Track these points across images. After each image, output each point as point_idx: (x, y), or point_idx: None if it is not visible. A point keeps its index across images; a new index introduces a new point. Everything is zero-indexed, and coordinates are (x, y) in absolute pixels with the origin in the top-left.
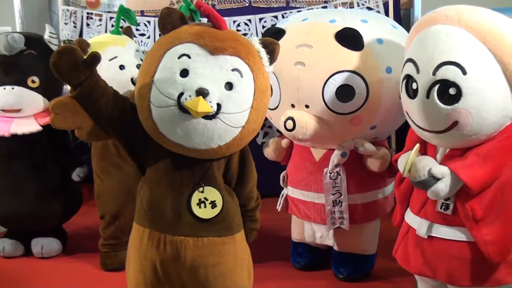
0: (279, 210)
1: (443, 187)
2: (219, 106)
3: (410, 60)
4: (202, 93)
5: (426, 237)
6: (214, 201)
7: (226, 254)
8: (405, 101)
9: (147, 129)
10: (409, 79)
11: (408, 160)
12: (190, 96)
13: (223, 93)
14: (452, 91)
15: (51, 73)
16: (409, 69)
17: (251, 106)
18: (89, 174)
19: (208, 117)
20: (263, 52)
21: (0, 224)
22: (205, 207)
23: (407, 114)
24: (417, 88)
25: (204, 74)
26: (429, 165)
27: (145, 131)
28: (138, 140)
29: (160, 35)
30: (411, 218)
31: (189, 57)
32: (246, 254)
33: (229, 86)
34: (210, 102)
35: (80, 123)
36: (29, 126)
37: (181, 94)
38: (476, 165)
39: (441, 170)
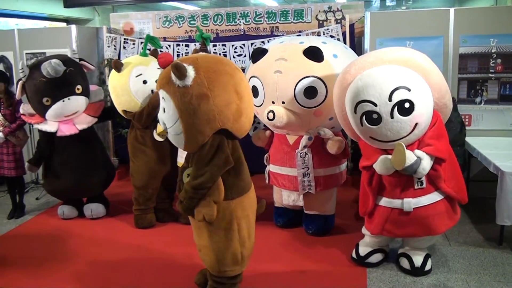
0: (267, 183)
1: (426, 164)
2: (165, 125)
3: (362, 101)
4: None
5: (412, 210)
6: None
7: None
8: (368, 130)
9: None
10: (367, 113)
11: (404, 155)
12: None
13: (163, 116)
14: (407, 105)
15: (86, 80)
16: (366, 107)
17: (179, 117)
18: (127, 157)
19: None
20: (173, 77)
21: (58, 198)
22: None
23: (372, 138)
24: (378, 116)
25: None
26: (410, 152)
27: None
28: None
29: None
30: (390, 202)
31: None
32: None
33: (164, 110)
34: (163, 125)
35: None
36: (86, 120)
37: None
38: (437, 143)
39: (420, 152)
